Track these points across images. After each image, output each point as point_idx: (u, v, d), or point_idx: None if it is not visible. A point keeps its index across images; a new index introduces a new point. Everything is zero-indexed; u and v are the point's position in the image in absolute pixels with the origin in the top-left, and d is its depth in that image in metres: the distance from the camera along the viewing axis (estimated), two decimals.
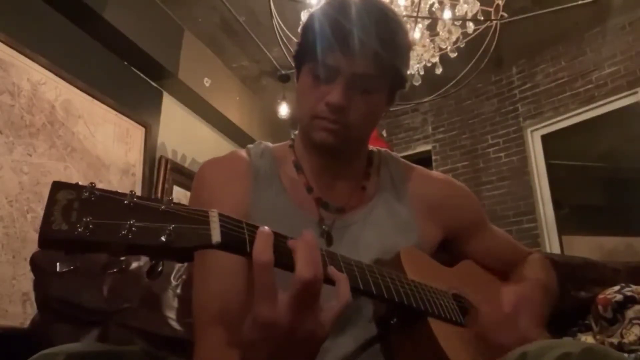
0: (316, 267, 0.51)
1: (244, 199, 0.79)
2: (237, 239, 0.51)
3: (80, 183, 0.46)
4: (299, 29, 0.83)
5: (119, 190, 0.48)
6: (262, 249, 0.50)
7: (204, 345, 0.70)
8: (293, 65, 0.85)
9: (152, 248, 0.46)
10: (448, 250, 0.93)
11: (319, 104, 0.76)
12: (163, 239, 0.45)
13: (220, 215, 0.51)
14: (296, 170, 0.86)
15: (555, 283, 0.93)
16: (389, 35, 0.76)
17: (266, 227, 0.53)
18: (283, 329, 0.51)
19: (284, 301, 0.51)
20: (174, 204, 0.49)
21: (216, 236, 0.49)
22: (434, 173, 0.97)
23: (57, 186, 0.45)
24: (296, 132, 0.90)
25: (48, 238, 0.42)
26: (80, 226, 0.42)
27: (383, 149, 0.96)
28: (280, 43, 2.61)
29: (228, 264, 0.74)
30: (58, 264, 0.44)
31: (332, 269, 0.56)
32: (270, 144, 0.91)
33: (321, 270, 0.52)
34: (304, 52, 0.80)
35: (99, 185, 0.46)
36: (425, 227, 0.86)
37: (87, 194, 0.45)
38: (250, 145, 0.90)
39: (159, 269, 0.48)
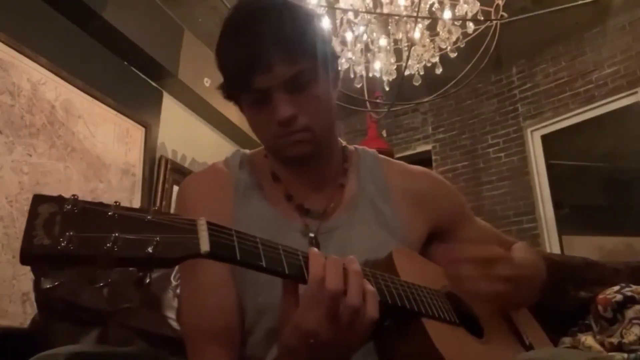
0: (339, 279, 0.55)
1: (226, 212, 0.79)
2: (227, 247, 0.50)
3: (62, 195, 0.44)
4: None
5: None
6: (317, 264, 0.55)
7: None
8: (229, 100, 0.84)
9: (138, 260, 0.45)
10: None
11: (272, 127, 0.75)
12: (150, 250, 0.44)
13: (208, 223, 0.50)
14: (274, 181, 0.85)
15: (542, 268, 0.90)
16: (284, 25, 0.73)
17: (314, 249, 0.57)
18: (322, 338, 0.54)
19: (323, 314, 0.54)
20: (160, 213, 0.48)
21: (205, 245, 0.48)
22: (413, 167, 0.95)
23: (38, 199, 0.43)
24: None
25: (30, 253, 0.40)
26: (63, 240, 0.41)
27: (359, 147, 0.95)
28: None
29: (219, 278, 0.74)
30: (42, 279, 0.42)
31: (366, 283, 0.58)
32: (247, 152, 0.91)
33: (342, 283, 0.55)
34: (231, 89, 0.79)
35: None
36: (410, 222, 0.86)
37: (69, 207, 0.43)
38: (228, 156, 0.90)
39: (147, 281, 0.48)
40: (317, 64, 0.76)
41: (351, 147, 0.94)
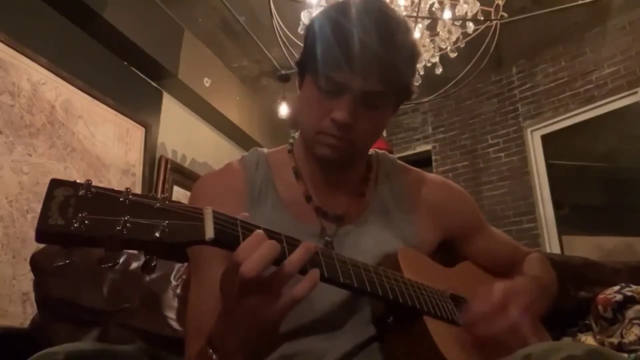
0: (252, 258, 0.51)
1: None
2: (230, 236, 0.52)
3: (77, 181, 0.47)
4: (303, 34, 0.78)
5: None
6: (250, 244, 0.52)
7: (190, 354, 0.71)
8: (295, 68, 0.82)
9: (146, 243, 0.47)
10: (447, 252, 0.93)
11: (324, 119, 0.74)
12: (157, 234, 0.46)
13: (214, 212, 0.52)
14: (295, 178, 0.84)
15: (554, 281, 0.93)
16: (400, 50, 0.73)
17: (260, 230, 0.54)
18: (232, 298, 0.54)
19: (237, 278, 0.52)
20: (169, 201, 0.50)
21: (209, 232, 0.50)
22: (431, 175, 0.96)
23: (54, 183, 0.46)
24: (296, 133, 0.89)
25: (45, 232, 0.43)
26: (76, 221, 0.43)
27: (381, 151, 0.95)
28: (280, 43, 2.61)
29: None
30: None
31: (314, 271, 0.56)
32: (265, 150, 0.90)
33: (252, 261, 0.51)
34: (309, 63, 0.76)
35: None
36: (424, 230, 0.86)
37: (83, 191, 0.46)
38: (245, 154, 0.89)
39: (153, 264, 0.49)
40: (397, 97, 0.78)
41: (373, 152, 0.93)
